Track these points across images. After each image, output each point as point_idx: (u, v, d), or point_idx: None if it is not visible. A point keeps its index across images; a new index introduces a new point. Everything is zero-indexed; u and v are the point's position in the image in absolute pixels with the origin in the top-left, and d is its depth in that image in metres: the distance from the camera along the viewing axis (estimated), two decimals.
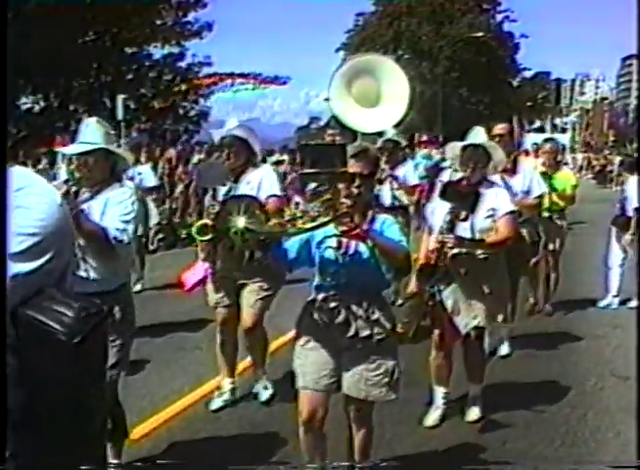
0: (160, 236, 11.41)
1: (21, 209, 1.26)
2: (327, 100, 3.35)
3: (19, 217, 1.25)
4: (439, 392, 4.26)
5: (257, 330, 4.43)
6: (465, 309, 4.01)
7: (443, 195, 3.83)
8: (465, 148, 4.21)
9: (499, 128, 5.32)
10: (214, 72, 27.26)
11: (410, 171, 6.87)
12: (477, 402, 4.25)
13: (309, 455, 3.13)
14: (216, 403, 4.43)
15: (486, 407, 4.37)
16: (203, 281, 4.43)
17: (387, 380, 3.03)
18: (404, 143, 7.69)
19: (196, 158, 13.73)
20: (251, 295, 4.32)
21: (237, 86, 27.51)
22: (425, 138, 11.94)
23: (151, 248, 11.08)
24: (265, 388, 4.53)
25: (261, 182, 4.26)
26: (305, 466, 3.13)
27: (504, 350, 5.53)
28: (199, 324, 5.87)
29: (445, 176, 4.60)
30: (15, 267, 1.22)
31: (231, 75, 27.31)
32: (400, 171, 6.64)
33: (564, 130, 45.81)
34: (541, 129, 38.17)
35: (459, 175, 4.21)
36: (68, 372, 1.28)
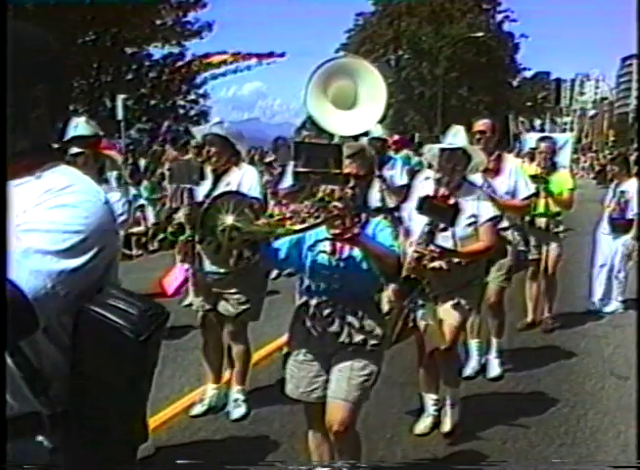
0: (161, 236, 11.40)
1: (66, 207, 1.29)
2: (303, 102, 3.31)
3: (64, 215, 1.28)
4: (429, 399, 4.18)
5: (240, 339, 4.30)
6: (431, 327, 3.81)
7: (421, 209, 3.66)
8: (443, 150, 4.02)
9: (480, 125, 4.94)
10: (207, 53, 26.87)
11: (398, 172, 6.52)
12: (452, 411, 4.06)
13: (318, 455, 3.13)
14: (197, 409, 4.32)
15: (486, 407, 4.38)
16: (184, 284, 4.34)
17: (369, 383, 2.96)
18: (391, 140, 7.49)
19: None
20: (231, 309, 4.20)
21: (234, 67, 27.18)
22: (396, 137, 11.51)
23: (151, 248, 11.08)
24: (237, 406, 4.30)
25: (241, 183, 4.11)
26: (302, 466, 3.12)
27: (494, 371, 5.11)
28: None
29: (422, 177, 4.36)
30: (59, 264, 1.25)
31: (224, 54, 26.95)
32: (388, 171, 6.30)
33: (564, 130, 45.84)
34: (542, 131, 38.14)
35: (437, 176, 3.99)
36: (127, 368, 1.32)
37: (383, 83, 3.27)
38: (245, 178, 4.17)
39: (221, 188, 4.11)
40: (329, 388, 2.99)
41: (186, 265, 4.21)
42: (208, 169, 4.25)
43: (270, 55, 27.46)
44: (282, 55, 27.67)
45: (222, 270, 4.08)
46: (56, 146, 1.52)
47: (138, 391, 1.38)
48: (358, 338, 2.92)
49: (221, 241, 2.71)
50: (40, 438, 1.35)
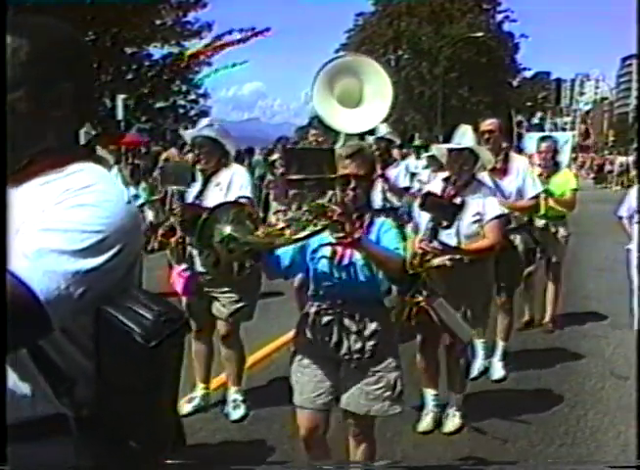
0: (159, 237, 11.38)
1: (86, 206, 1.27)
2: (309, 101, 3.29)
3: (83, 215, 1.25)
4: (429, 394, 4.21)
5: (232, 340, 4.27)
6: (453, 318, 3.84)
7: (423, 206, 3.68)
8: (451, 150, 4.06)
9: (487, 124, 4.92)
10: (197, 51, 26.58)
11: (402, 173, 6.47)
12: (456, 413, 4.13)
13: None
14: (185, 409, 4.24)
15: (486, 407, 4.37)
16: (189, 282, 4.29)
17: (389, 393, 2.91)
18: (398, 142, 7.48)
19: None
20: (223, 308, 4.18)
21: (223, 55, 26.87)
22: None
23: (148, 248, 11.07)
24: (236, 407, 4.29)
25: (231, 183, 4.10)
26: (302, 467, 3.09)
27: (497, 373, 5.06)
28: None
29: (424, 177, 4.35)
30: (75, 264, 1.22)
31: (211, 46, 26.64)
32: (392, 172, 6.25)
33: (564, 130, 45.88)
34: (541, 122, 38.07)
35: (440, 176, 4.03)
36: (140, 375, 1.28)
37: (388, 81, 3.27)
38: (235, 178, 4.16)
39: (211, 189, 4.12)
40: (345, 403, 2.94)
41: (182, 266, 4.20)
42: (198, 170, 4.25)
43: (254, 32, 27.02)
44: (267, 30, 27.16)
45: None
46: (82, 144, 1.51)
47: (155, 397, 1.34)
48: (358, 346, 2.87)
49: (219, 253, 2.62)
50: (66, 439, 1.32)
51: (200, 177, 4.22)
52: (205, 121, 4.59)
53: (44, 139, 1.35)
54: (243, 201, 3.91)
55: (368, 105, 3.20)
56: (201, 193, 4.13)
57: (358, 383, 2.91)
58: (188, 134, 4.59)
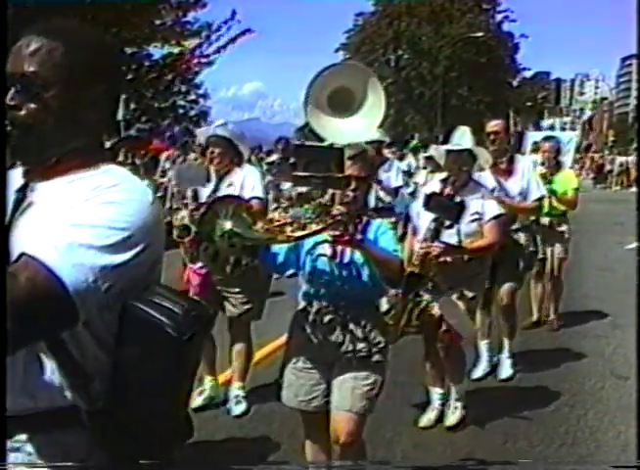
0: None
1: (113, 204, 1.31)
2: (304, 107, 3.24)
3: (110, 212, 1.30)
4: (435, 392, 4.25)
5: (243, 337, 4.34)
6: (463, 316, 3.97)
7: (427, 206, 3.74)
8: (449, 151, 4.13)
9: (493, 125, 4.96)
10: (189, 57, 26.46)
11: (393, 174, 6.52)
12: (457, 405, 4.18)
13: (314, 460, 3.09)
14: (197, 402, 4.30)
15: (485, 407, 4.38)
16: (206, 279, 4.30)
17: (374, 392, 2.89)
18: (388, 140, 7.50)
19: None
20: (234, 309, 4.25)
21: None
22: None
23: None
24: (238, 402, 4.34)
25: (244, 183, 4.15)
26: (302, 466, 3.10)
27: (505, 372, 5.06)
28: None
29: (420, 178, 4.42)
30: (103, 259, 1.26)
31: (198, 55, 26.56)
32: (384, 174, 6.22)
33: (563, 129, 45.82)
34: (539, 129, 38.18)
35: (438, 176, 4.10)
36: (168, 367, 1.32)
37: (382, 91, 3.26)
38: (247, 178, 4.21)
39: (224, 188, 4.15)
40: (332, 399, 2.92)
41: (198, 264, 4.22)
42: (212, 170, 4.29)
43: (243, 33, 26.91)
44: (250, 31, 27.04)
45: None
46: (108, 146, 1.56)
47: (178, 390, 1.37)
48: (361, 346, 2.86)
49: (219, 247, 2.64)
50: (78, 431, 1.35)
51: (213, 177, 4.26)
52: (220, 121, 4.61)
53: (73, 139, 1.39)
54: (255, 202, 3.99)
55: (360, 115, 3.17)
56: (214, 192, 4.15)
57: (348, 380, 2.89)
58: (202, 133, 4.62)
